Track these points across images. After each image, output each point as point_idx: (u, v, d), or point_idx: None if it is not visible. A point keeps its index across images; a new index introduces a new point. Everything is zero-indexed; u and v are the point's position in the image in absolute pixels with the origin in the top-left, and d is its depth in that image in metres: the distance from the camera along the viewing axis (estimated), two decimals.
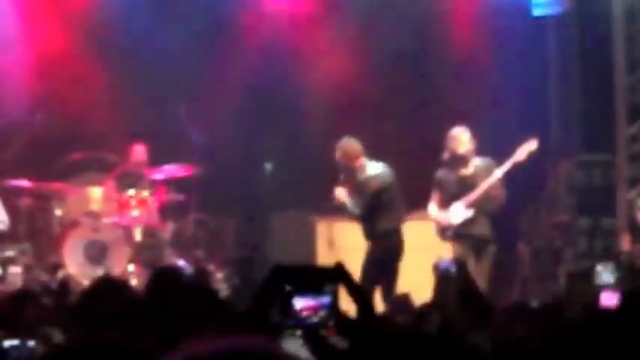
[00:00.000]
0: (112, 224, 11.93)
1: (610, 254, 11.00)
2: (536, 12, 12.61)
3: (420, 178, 10.83)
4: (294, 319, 3.68)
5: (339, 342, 3.66)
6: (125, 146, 12.42)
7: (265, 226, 13.07)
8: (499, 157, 10.27)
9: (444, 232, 10.38)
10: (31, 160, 12.32)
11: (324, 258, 11.34)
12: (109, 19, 12.96)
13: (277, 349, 1.91)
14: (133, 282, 10.91)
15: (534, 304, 7.76)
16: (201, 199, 12.40)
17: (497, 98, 12.25)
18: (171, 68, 12.80)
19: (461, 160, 10.31)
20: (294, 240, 12.38)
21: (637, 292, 5.27)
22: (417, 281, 9.07)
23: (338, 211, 10.68)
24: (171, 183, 12.31)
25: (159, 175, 12.22)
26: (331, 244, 11.42)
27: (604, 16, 11.99)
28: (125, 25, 12.81)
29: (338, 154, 10.46)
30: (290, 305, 3.67)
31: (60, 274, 11.38)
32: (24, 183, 11.80)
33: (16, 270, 11.26)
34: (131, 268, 11.70)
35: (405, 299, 7.96)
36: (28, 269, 11.41)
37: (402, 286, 9.81)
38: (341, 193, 10.39)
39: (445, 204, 10.38)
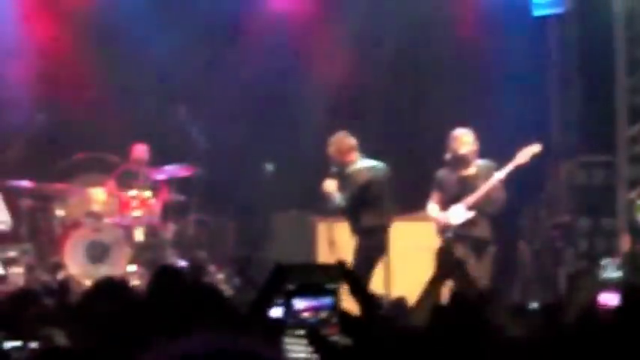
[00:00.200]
0: (113, 225, 11.94)
1: (612, 255, 11.01)
2: (537, 12, 12.60)
3: (420, 178, 10.83)
4: (295, 319, 3.68)
5: (341, 340, 3.66)
6: (126, 147, 12.44)
7: (266, 226, 13.07)
8: (498, 157, 10.25)
9: (444, 232, 10.37)
10: (32, 161, 12.34)
11: (325, 258, 11.32)
12: (109, 20, 12.98)
13: (263, 350, 1.84)
14: (134, 282, 10.91)
15: (534, 304, 7.75)
16: (202, 200, 12.42)
17: (497, 99, 12.24)
18: (172, 69, 12.83)
19: (462, 161, 10.27)
20: (295, 240, 12.38)
21: (637, 291, 5.26)
22: (417, 281, 9.04)
23: (324, 202, 10.60)
24: (172, 183, 12.33)
25: (160, 175, 12.24)
26: (332, 244, 11.39)
27: (605, 17, 11.99)
28: (126, 25, 12.83)
29: (331, 148, 10.47)
30: (291, 305, 3.68)
31: (61, 275, 11.40)
32: (25, 184, 11.82)
33: (18, 270, 11.29)
34: (132, 268, 11.71)
35: (400, 303, 7.94)
36: (29, 269, 11.43)
37: (402, 286, 9.79)
38: (330, 185, 10.37)
39: (445, 204, 10.36)
